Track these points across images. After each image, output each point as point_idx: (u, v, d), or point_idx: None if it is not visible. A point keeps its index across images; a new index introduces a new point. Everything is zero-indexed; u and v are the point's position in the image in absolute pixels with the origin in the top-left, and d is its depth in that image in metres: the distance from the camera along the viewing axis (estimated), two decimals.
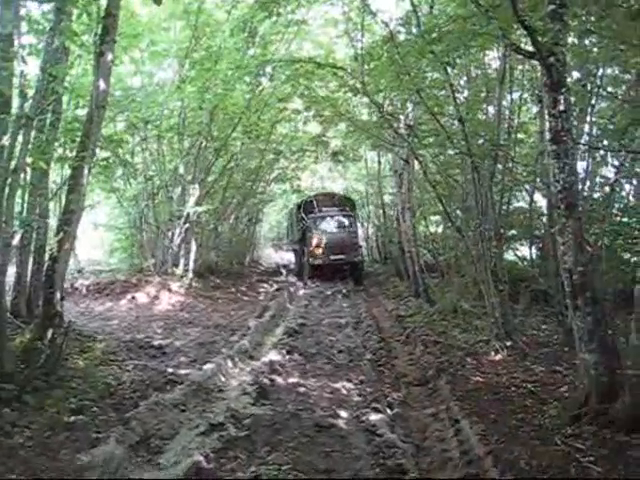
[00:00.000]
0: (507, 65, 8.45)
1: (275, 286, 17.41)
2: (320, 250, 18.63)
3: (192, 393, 5.66)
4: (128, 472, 3.92)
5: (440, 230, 14.43)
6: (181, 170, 15.06)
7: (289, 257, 27.76)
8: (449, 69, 8.38)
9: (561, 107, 4.74)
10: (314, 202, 20.69)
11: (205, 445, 4.38)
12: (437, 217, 14.38)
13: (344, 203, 21.16)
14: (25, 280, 7.91)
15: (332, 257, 18.53)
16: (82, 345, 7.18)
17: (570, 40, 6.70)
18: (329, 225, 19.82)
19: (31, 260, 7.98)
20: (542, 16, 5.00)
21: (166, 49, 14.07)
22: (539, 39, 4.79)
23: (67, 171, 8.24)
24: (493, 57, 9.96)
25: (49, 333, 5.79)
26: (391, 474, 3.89)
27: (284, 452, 4.22)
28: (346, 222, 19.96)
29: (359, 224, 23.63)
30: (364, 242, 24.74)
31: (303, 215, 20.54)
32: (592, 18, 5.88)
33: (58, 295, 6.04)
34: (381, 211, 21.68)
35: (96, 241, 19.92)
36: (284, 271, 22.64)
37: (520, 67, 9.55)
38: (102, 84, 6.25)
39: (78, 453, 4.00)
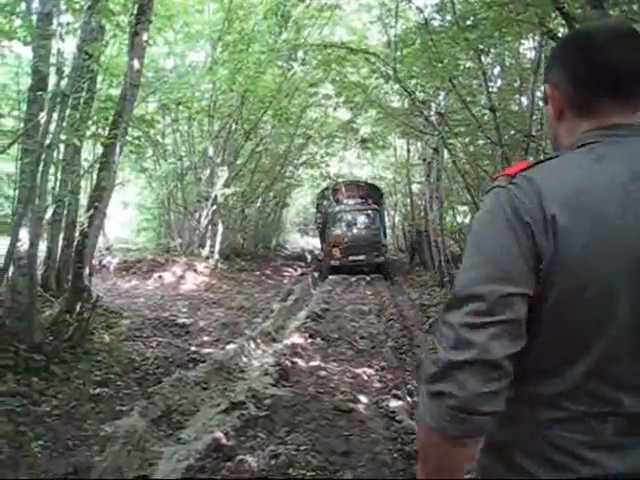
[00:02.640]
0: (542, 55, 8.29)
1: (299, 271, 17.49)
2: (338, 250, 16.98)
3: (214, 372, 5.74)
4: (150, 445, 4.01)
5: (467, 221, 14.30)
6: (210, 152, 15.17)
7: (315, 243, 27.83)
8: (483, 57, 8.26)
9: None
10: (336, 192, 19.44)
11: (225, 423, 4.44)
12: (465, 207, 14.26)
13: (369, 194, 19.55)
14: (55, 255, 8.07)
15: (351, 258, 16.90)
16: (108, 320, 7.32)
17: None
18: (349, 221, 18.15)
19: (62, 235, 8.13)
20: (582, 4, 4.89)
21: (199, 31, 14.16)
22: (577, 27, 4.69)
23: (99, 149, 8.36)
24: (528, 47, 9.79)
25: (77, 307, 5.92)
26: (409, 460, 3.91)
27: (303, 433, 4.26)
28: (369, 217, 18.24)
29: (386, 215, 21.92)
30: (390, 230, 24.06)
31: (323, 207, 19.54)
32: (635, 6, 5.72)
33: (87, 270, 6.16)
34: (408, 200, 21.37)
35: (125, 220, 20.25)
36: (309, 256, 22.68)
37: None
38: (136, 63, 6.31)
39: (102, 424, 4.11)
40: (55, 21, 5.68)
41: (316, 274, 16.91)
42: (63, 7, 5.89)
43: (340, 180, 21.03)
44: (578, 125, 1.15)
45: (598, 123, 1.12)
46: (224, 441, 3.95)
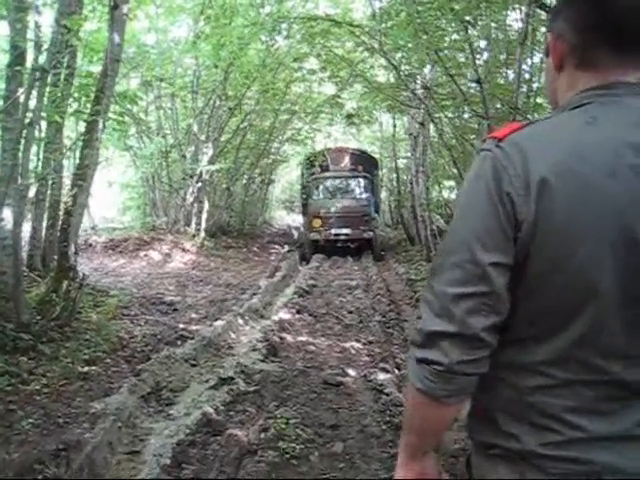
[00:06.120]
0: (529, 26, 8.23)
1: (286, 247, 17.48)
2: (320, 221, 15.01)
3: (203, 348, 5.76)
4: (140, 422, 4.03)
5: (453, 195, 14.31)
6: (195, 129, 15.01)
7: (301, 219, 27.75)
8: (469, 28, 8.19)
9: None
10: (323, 158, 17.80)
11: (215, 398, 4.48)
12: (451, 182, 14.27)
13: (361, 162, 17.50)
14: (40, 234, 7.99)
15: (334, 231, 14.99)
16: (95, 299, 7.29)
17: None
18: (334, 189, 16.44)
19: (46, 215, 8.04)
20: None
21: (180, 5, 13.88)
22: None
23: (81, 126, 8.23)
24: (515, 18, 9.71)
25: (64, 286, 5.88)
26: (397, 431, 3.96)
27: (292, 407, 4.30)
28: (358, 186, 16.42)
29: (380, 188, 20.23)
30: None
31: (307, 175, 17.91)
32: None
33: (72, 249, 6.12)
34: (394, 175, 21.27)
35: (109, 199, 20.03)
36: (296, 233, 22.65)
37: (542, 29, 9.30)
38: (116, 37, 6.18)
39: (92, 401, 4.11)
40: None
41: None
42: None
43: (325, 148, 19.37)
44: (577, 79, 1.11)
45: (597, 80, 1.08)
46: (214, 416, 3.98)
